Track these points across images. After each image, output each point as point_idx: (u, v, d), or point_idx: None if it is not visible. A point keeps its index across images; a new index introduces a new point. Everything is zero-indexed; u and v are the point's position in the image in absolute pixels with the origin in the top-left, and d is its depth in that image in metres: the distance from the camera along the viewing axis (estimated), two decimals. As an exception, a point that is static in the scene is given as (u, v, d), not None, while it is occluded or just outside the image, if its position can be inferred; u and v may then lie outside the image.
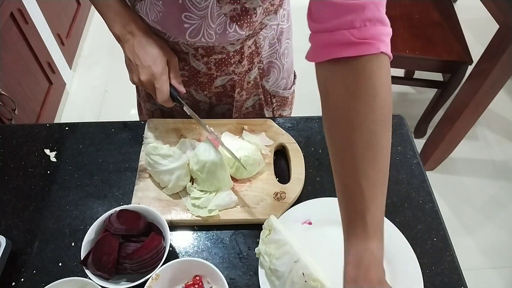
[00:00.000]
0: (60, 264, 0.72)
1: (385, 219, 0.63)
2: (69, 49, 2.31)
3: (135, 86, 0.99)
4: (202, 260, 0.66)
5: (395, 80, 2.04)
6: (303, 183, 0.81)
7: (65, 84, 2.24)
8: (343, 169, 0.54)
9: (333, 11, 0.52)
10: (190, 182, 0.78)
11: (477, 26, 2.40)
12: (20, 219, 0.77)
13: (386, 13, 0.53)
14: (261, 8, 0.74)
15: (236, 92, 0.90)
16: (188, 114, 0.81)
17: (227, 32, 0.74)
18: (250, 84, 0.91)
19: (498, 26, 1.47)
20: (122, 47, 0.78)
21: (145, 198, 0.77)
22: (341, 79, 0.53)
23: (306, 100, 1.38)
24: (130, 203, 0.77)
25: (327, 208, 0.76)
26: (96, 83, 2.39)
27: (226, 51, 0.81)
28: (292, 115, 1.09)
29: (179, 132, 0.87)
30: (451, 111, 1.76)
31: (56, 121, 2.09)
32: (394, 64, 1.56)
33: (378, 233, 0.52)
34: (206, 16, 0.70)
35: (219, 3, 0.69)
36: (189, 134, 0.87)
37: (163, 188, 0.78)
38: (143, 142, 0.86)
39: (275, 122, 0.90)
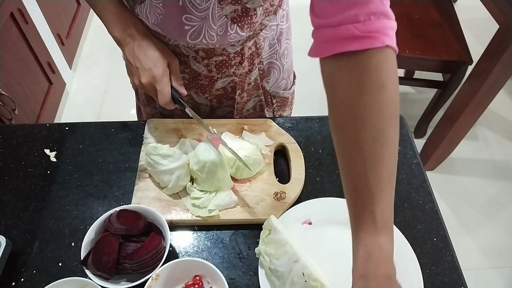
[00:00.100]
0: (60, 264, 0.72)
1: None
2: (69, 49, 2.31)
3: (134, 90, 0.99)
4: (202, 260, 0.66)
5: (395, 80, 2.04)
6: (303, 183, 0.81)
7: (65, 84, 2.24)
8: (350, 164, 0.52)
9: (337, 6, 0.51)
10: (190, 182, 0.78)
11: (477, 26, 2.40)
12: (20, 219, 0.77)
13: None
14: (261, 8, 0.74)
15: (237, 94, 0.90)
16: (190, 116, 0.81)
17: (228, 33, 0.74)
18: (250, 86, 0.91)
19: (498, 26, 1.47)
20: (122, 51, 0.78)
21: (145, 198, 0.77)
22: (346, 74, 0.52)
23: (306, 100, 1.38)
24: (130, 203, 0.77)
25: (327, 208, 0.76)
26: (96, 83, 2.39)
27: (226, 52, 0.80)
28: (292, 115, 1.09)
29: (179, 132, 0.87)
30: (451, 111, 1.76)
31: (56, 121, 2.09)
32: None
33: (388, 228, 0.51)
34: (207, 17, 0.70)
35: (220, 4, 0.68)
36: (189, 134, 0.87)
37: (163, 188, 0.78)
38: (143, 142, 0.86)
39: (275, 122, 0.90)
